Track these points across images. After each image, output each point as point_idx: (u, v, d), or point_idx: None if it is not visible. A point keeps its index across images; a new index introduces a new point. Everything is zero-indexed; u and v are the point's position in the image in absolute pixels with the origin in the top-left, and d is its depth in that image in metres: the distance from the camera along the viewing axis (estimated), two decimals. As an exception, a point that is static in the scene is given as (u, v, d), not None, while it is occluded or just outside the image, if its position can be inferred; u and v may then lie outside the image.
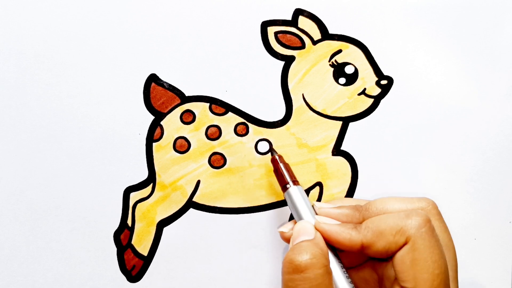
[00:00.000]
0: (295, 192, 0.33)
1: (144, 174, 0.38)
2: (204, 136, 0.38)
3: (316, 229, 0.31)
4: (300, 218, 0.33)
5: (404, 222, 0.29)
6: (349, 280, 0.31)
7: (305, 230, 0.31)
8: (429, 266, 0.28)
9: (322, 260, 0.29)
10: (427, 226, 0.29)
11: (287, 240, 0.33)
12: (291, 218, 0.39)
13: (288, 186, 0.34)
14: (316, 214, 0.33)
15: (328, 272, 0.29)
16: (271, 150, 0.37)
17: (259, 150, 0.38)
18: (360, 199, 0.37)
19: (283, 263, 0.30)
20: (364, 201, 0.34)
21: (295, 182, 0.34)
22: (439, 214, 0.32)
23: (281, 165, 0.35)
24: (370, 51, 0.38)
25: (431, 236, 0.28)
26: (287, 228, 0.33)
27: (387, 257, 0.30)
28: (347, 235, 0.30)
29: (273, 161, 0.35)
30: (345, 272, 0.31)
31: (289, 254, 0.29)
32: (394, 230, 0.29)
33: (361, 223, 0.31)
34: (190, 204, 0.38)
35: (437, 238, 0.29)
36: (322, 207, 0.33)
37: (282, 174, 0.34)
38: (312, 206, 0.34)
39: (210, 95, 0.38)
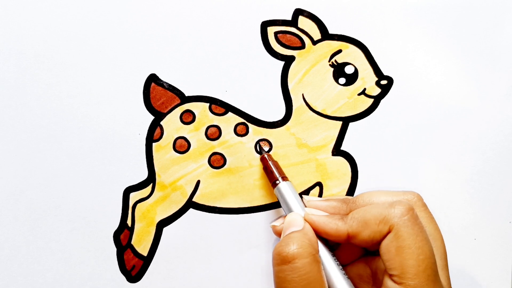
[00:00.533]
0: (284, 187, 0.35)
1: (144, 174, 0.38)
2: (204, 136, 0.38)
3: (305, 220, 0.32)
4: (290, 211, 0.34)
5: (387, 211, 0.29)
6: (340, 267, 0.31)
7: (295, 222, 0.32)
8: (413, 252, 0.28)
9: (309, 249, 0.30)
10: (410, 214, 0.29)
11: (279, 234, 0.34)
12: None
13: (277, 182, 0.35)
14: (305, 206, 0.34)
15: (316, 261, 0.30)
16: (260, 149, 0.38)
17: (259, 150, 0.38)
18: (349, 196, 0.37)
19: (272, 255, 0.30)
20: (345, 197, 0.35)
21: (284, 178, 0.35)
22: (424, 205, 0.32)
23: (270, 162, 0.36)
24: (370, 51, 0.38)
25: (414, 223, 0.29)
26: (278, 222, 0.34)
27: (373, 246, 0.30)
28: (334, 225, 0.31)
29: (262, 159, 0.37)
30: (336, 260, 0.32)
31: (277, 246, 0.30)
32: (378, 219, 0.29)
33: (348, 214, 0.31)
34: (190, 204, 0.38)
35: (420, 225, 0.29)
36: (310, 200, 0.34)
37: (271, 171, 0.36)
38: (302, 200, 0.35)
39: (210, 95, 0.38)
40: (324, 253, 0.32)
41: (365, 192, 0.33)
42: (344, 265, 0.34)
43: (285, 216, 0.34)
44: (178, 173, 0.38)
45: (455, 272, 0.39)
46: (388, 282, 0.29)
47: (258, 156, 0.38)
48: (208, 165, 0.38)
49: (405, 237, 0.28)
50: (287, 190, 0.34)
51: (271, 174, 0.36)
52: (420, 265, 0.28)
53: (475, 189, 0.39)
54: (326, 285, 0.30)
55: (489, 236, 0.39)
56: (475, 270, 0.39)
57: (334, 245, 0.34)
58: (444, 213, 0.39)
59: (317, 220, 0.32)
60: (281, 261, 0.29)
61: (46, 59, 0.37)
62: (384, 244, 0.29)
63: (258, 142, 0.38)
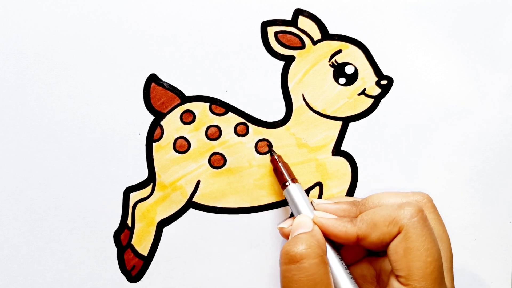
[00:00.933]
0: (294, 189, 0.35)
1: (144, 174, 0.38)
2: (204, 136, 0.38)
3: (314, 223, 0.32)
4: (299, 213, 0.34)
5: (396, 212, 0.29)
6: (348, 271, 0.31)
7: (304, 224, 0.32)
8: (422, 254, 0.28)
9: (317, 250, 0.30)
10: (419, 216, 0.29)
11: (286, 236, 0.34)
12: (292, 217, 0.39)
13: (287, 183, 0.35)
14: (315, 209, 0.34)
15: (324, 262, 0.30)
16: (270, 150, 0.38)
17: (259, 150, 0.38)
18: (358, 198, 0.37)
19: (280, 254, 0.30)
20: (352, 198, 0.35)
21: (294, 180, 0.35)
22: (433, 207, 0.32)
23: (280, 164, 0.36)
24: (370, 51, 0.38)
25: (423, 225, 0.29)
26: (286, 224, 0.34)
27: (382, 247, 0.30)
28: (343, 228, 0.31)
29: (273, 161, 0.37)
30: (344, 264, 0.31)
31: (285, 245, 0.30)
32: (387, 221, 0.29)
33: (357, 216, 0.31)
34: (190, 204, 0.38)
35: (429, 227, 0.29)
36: (320, 203, 0.34)
37: (281, 172, 0.36)
38: (311, 202, 0.35)
39: (210, 95, 0.38)
40: (331, 255, 0.32)
41: (374, 193, 0.33)
42: (348, 265, 0.34)
43: (293, 218, 0.34)
44: (178, 173, 0.38)
45: (455, 272, 0.38)
46: (394, 283, 0.29)
47: (258, 156, 0.38)
48: (208, 165, 0.38)
49: (413, 238, 0.28)
50: (296, 192, 0.35)
51: (281, 176, 0.36)
52: (428, 268, 0.28)
53: (475, 189, 0.39)
54: (333, 287, 0.29)
55: (489, 236, 0.39)
56: (475, 270, 0.39)
57: (338, 245, 0.34)
58: (444, 213, 0.38)
59: (326, 222, 0.32)
60: (288, 261, 0.29)
61: (46, 59, 0.37)
62: (393, 245, 0.29)
63: (258, 142, 0.38)
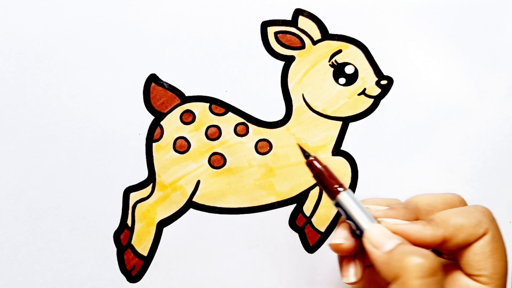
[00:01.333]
0: (347, 198, 0.30)
1: (144, 174, 0.38)
2: (204, 136, 0.38)
3: (392, 231, 0.30)
4: (359, 223, 0.30)
5: (480, 215, 0.30)
6: None
7: (388, 234, 0.30)
8: (504, 254, 0.30)
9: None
10: (495, 219, 0.31)
11: (344, 251, 0.31)
12: (291, 219, 0.38)
13: (339, 189, 0.30)
14: (375, 217, 0.30)
15: None
16: (304, 152, 0.32)
17: (259, 150, 0.38)
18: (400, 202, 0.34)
19: (408, 267, 0.27)
20: (384, 200, 0.33)
21: (342, 185, 0.30)
22: None
23: (322, 168, 0.31)
24: (370, 51, 0.38)
25: (499, 227, 0.31)
26: (341, 239, 0.31)
27: (461, 248, 0.31)
28: (429, 231, 0.30)
29: (309, 164, 0.31)
30: None
31: (412, 258, 0.27)
32: (474, 223, 0.30)
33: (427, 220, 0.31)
34: (190, 204, 0.38)
35: None
36: (377, 210, 0.31)
37: (330, 177, 0.30)
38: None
39: (210, 95, 0.38)
40: None
41: (414, 197, 0.32)
42: (367, 266, 0.33)
43: (347, 230, 0.31)
44: (178, 173, 0.38)
45: (455, 272, 0.39)
46: (470, 282, 0.30)
47: (258, 156, 0.38)
48: (208, 165, 0.38)
49: (498, 239, 0.30)
50: (352, 200, 0.30)
51: (328, 182, 0.30)
52: (507, 266, 0.30)
53: (475, 189, 0.39)
54: None
55: (489, 236, 0.39)
56: (475, 270, 0.39)
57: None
58: (444, 213, 0.39)
59: (407, 229, 0.30)
60: (428, 274, 0.27)
61: (46, 59, 0.37)
62: (479, 245, 0.30)
63: (258, 142, 0.38)
